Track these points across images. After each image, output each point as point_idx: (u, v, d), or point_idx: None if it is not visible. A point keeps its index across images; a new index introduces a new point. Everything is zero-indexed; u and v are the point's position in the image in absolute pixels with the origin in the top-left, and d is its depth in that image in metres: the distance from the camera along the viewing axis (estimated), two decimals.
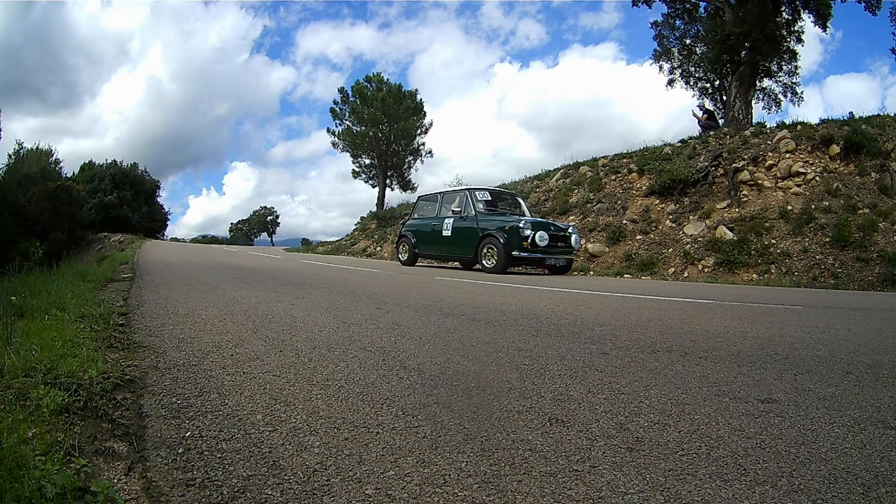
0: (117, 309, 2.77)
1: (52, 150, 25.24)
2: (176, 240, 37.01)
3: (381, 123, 23.15)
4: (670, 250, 9.13)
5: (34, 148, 24.29)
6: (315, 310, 3.10)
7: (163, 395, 1.44)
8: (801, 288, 6.96)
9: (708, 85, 14.83)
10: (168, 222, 40.26)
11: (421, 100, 24.18)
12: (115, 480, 0.97)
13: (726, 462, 1.08)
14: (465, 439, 1.18)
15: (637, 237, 9.79)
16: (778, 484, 0.98)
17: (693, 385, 1.64)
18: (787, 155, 9.73)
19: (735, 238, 8.58)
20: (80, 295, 3.09)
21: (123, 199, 32.73)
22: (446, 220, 8.68)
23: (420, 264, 9.68)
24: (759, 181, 9.55)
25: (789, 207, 8.82)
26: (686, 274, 8.44)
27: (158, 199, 38.18)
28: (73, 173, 30.81)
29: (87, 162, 34.49)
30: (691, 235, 9.19)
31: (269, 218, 54.86)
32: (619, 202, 10.80)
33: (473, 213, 8.35)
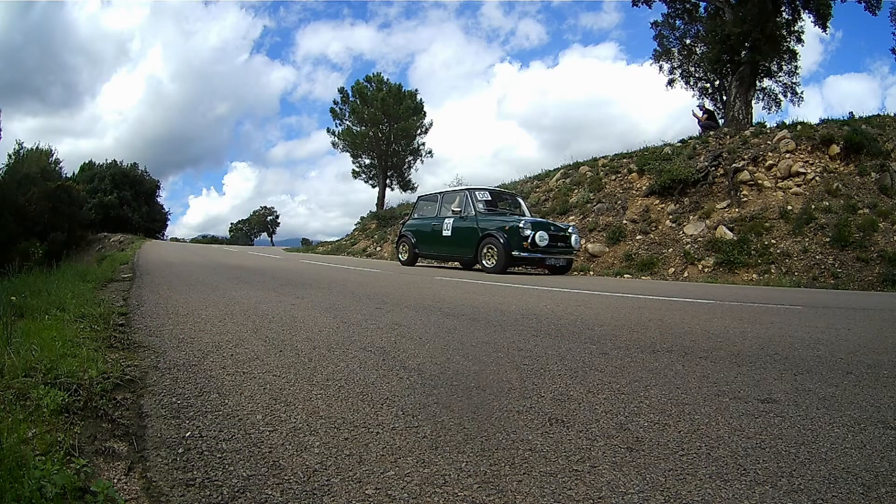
0: (117, 309, 2.77)
1: (52, 150, 25.26)
2: (176, 240, 37.01)
3: (381, 123, 23.16)
4: (670, 250, 9.13)
5: (34, 148, 24.30)
6: (315, 310, 3.10)
7: (163, 395, 1.44)
8: (801, 288, 6.96)
9: (708, 85, 14.83)
10: (168, 222, 40.29)
11: (421, 100, 24.20)
12: (115, 480, 0.97)
13: (726, 462, 1.08)
14: (465, 439, 1.18)
15: (637, 237, 9.79)
16: (778, 484, 0.98)
17: (693, 385, 1.64)
18: (787, 155, 9.73)
19: (735, 238, 8.58)
20: (80, 295, 3.09)
21: (123, 199, 32.73)
22: (446, 220, 8.69)
23: (420, 264, 9.68)
24: (759, 181, 9.56)
25: (789, 207, 8.82)
26: (686, 274, 8.44)
27: (158, 199, 38.21)
28: (73, 173, 30.84)
29: (87, 162, 34.52)
30: (691, 235, 9.19)
31: (269, 218, 54.86)
32: (619, 202, 10.81)
33: (473, 213, 8.35)
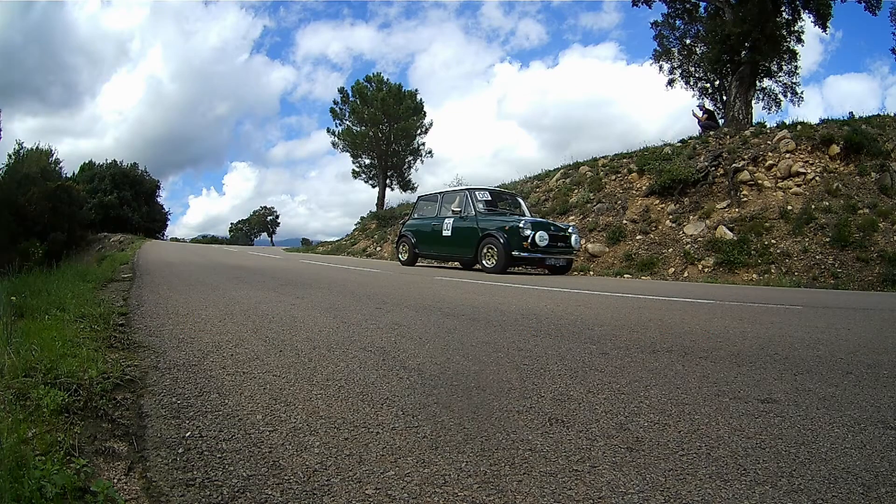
0: (117, 309, 2.77)
1: (52, 150, 25.25)
2: (176, 240, 37.01)
3: (381, 123, 23.16)
4: (670, 250, 9.13)
5: (34, 148, 24.29)
6: (315, 310, 3.10)
7: (163, 395, 1.44)
8: (801, 288, 6.96)
9: (708, 85, 14.83)
10: (168, 222, 40.29)
11: (421, 100, 24.21)
12: (115, 480, 0.97)
13: (726, 462, 1.08)
14: (465, 439, 1.18)
15: (637, 237, 9.79)
16: (778, 484, 0.98)
17: (693, 385, 1.64)
18: (787, 155, 9.73)
19: (735, 238, 8.58)
20: (80, 295, 3.09)
21: (123, 199, 32.74)
22: (446, 220, 8.68)
23: (420, 264, 9.68)
24: (759, 181, 9.56)
25: (789, 207, 8.82)
26: (686, 274, 8.44)
27: (158, 199, 38.20)
28: (73, 173, 30.82)
29: (87, 162, 34.51)
30: (691, 235, 9.19)
31: (269, 218, 54.86)
32: (619, 202, 10.81)
33: (473, 213, 8.35)
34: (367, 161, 24.36)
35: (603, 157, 13.02)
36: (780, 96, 13.99)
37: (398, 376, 1.68)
